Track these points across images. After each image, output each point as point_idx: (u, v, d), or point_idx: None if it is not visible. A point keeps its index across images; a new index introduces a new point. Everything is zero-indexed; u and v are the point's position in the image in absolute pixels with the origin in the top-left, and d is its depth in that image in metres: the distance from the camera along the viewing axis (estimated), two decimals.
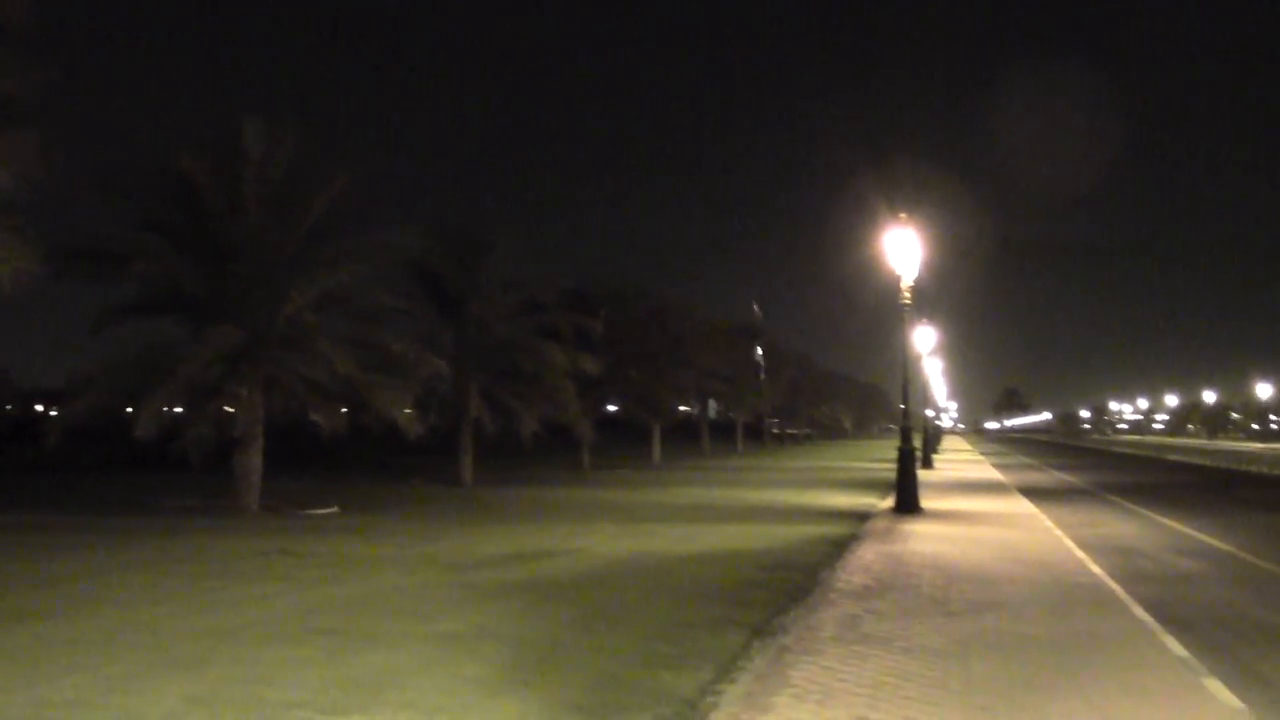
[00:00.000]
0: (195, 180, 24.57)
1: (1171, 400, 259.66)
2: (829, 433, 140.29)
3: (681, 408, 68.98)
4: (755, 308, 47.99)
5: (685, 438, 71.56)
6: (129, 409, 25.08)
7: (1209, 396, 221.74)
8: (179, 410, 25.48)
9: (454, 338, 35.50)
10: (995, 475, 45.56)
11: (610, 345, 45.47)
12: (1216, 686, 8.74)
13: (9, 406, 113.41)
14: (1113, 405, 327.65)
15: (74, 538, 19.72)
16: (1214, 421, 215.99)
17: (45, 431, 25.07)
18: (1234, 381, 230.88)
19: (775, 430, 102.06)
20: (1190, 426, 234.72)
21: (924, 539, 19.69)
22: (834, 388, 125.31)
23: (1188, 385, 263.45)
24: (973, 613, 11.86)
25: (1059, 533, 21.03)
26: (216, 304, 25.20)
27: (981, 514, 25.25)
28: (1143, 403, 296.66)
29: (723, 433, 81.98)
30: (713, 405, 76.89)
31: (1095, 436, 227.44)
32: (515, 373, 36.95)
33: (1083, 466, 59.13)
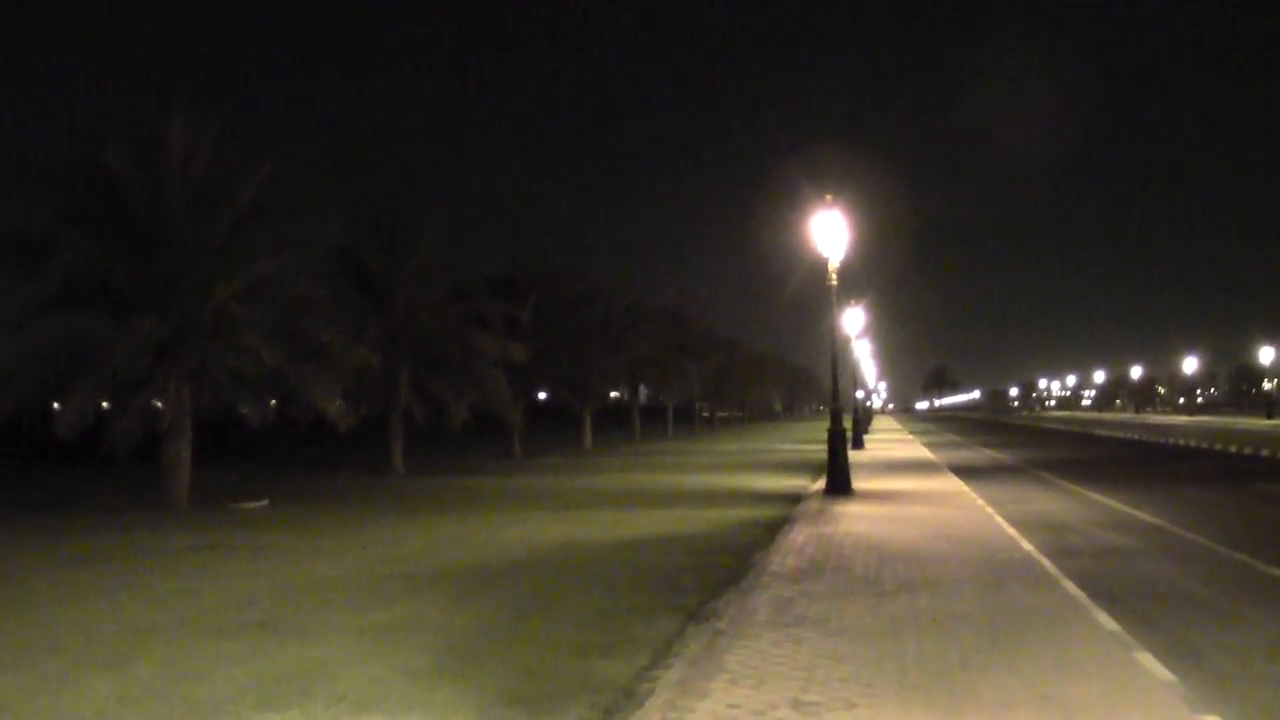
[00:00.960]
0: (118, 172, 24.28)
1: (1099, 376, 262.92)
2: (760, 415, 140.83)
3: (612, 394, 68.99)
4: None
5: (616, 423, 71.60)
6: (54, 404, 24.77)
7: (1136, 372, 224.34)
8: (105, 404, 25.19)
9: (382, 327, 35.32)
10: (926, 454, 45.89)
11: (540, 331, 45.44)
12: (1148, 660, 8.81)
13: None
14: (1041, 382, 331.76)
15: None
16: (1141, 396, 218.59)
17: None
18: (1160, 356, 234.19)
19: (705, 414, 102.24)
20: (1118, 401, 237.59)
21: (856, 520, 19.79)
22: (764, 370, 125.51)
23: (1115, 361, 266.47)
24: (905, 592, 11.92)
25: (989, 510, 21.19)
26: (142, 296, 24.88)
27: (912, 493, 25.41)
28: (1071, 379, 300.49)
29: (653, 417, 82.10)
30: (643, 390, 76.94)
31: (1024, 414, 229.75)
32: (444, 361, 36.82)
33: (1012, 443, 59.64)
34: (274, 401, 26.94)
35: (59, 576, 14.53)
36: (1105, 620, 10.34)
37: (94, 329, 25.57)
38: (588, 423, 57.12)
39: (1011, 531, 17.54)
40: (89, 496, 26.52)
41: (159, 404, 24.91)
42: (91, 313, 26.13)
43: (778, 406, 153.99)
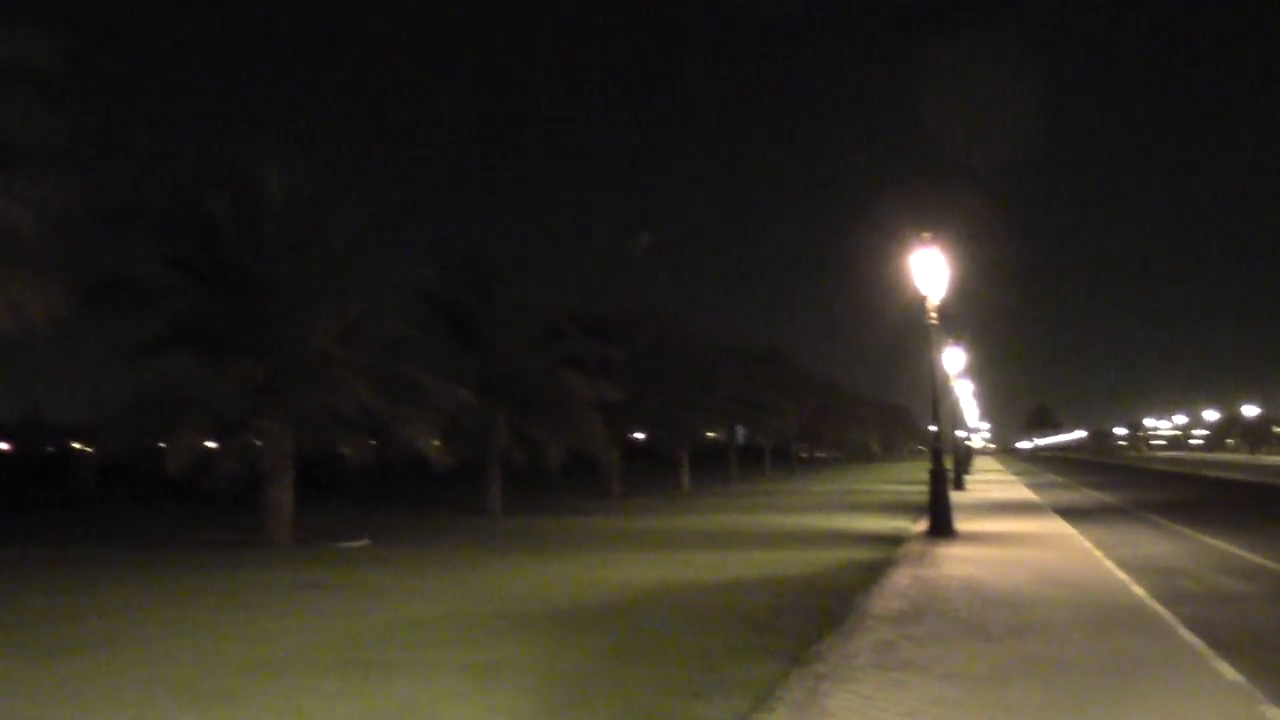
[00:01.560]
0: (218, 218, 24.65)
1: (1210, 415, 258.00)
2: (856, 456, 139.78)
3: (709, 434, 68.76)
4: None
5: (713, 464, 71.36)
6: (159, 444, 25.12)
7: (1249, 410, 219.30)
8: (209, 444, 25.51)
9: (478, 368, 35.43)
10: (1029, 495, 45.26)
11: (635, 371, 45.40)
12: (1277, 716, 8.49)
13: (50, 448, 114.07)
14: (1148, 421, 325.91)
15: (108, 572, 19.74)
16: (1255, 435, 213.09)
17: (77, 468, 25.13)
18: (1275, 394, 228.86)
19: (802, 454, 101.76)
20: (1230, 441, 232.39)
21: (959, 562, 19.52)
22: (861, 410, 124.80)
23: (1226, 399, 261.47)
24: (1011, 637, 11.70)
25: (1097, 553, 20.79)
26: (241, 339, 25.25)
27: (1016, 535, 25.03)
28: (1180, 418, 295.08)
29: (750, 458, 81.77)
30: (740, 431, 76.65)
31: (1130, 454, 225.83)
32: (539, 402, 36.88)
33: (1118, 484, 58.64)
34: (373, 442, 27.11)
35: (164, 612, 14.66)
36: (1226, 670, 10.00)
37: (197, 371, 25.95)
38: (684, 463, 56.94)
39: (1121, 575, 17.18)
40: (193, 534, 26.80)
41: (260, 444, 25.18)
42: (194, 355, 26.53)
43: (875, 447, 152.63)
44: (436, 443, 26.98)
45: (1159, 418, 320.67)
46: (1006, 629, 12.22)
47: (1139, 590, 15.42)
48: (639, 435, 56.40)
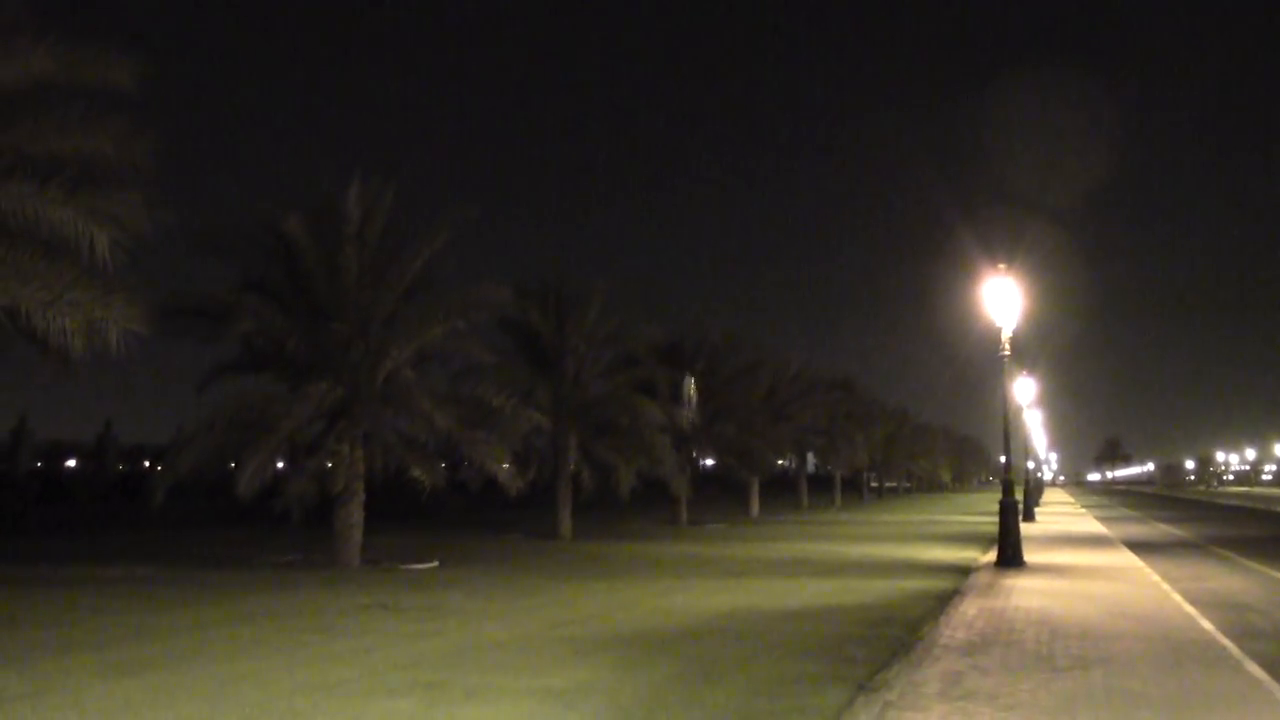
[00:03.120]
0: (296, 240, 24.93)
1: None
2: (927, 486, 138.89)
3: (779, 462, 68.60)
4: None
5: (783, 492, 71.25)
6: (231, 464, 25.40)
7: None
8: (280, 466, 25.77)
9: (550, 393, 35.61)
10: (1098, 528, 44.78)
11: (706, 399, 45.46)
12: None
13: (120, 466, 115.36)
14: (1218, 455, 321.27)
15: (179, 592, 19.99)
16: None
17: (150, 488, 25.44)
18: None
19: (873, 484, 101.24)
20: None
21: (1027, 593, 19.40)
22: (931, 441, 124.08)
23: None
24: (1079, 669, 11.64)
25: (1166, 587, 20.58)
26: (316, 361, 25.51)
27: (1086, 568, 24.82)
28: (1250, 453, 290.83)
29: (820, 486, 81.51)
30: (810, 459, 76.42)
31: (1200, 488, 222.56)
32: (611, 427, 37.02)
33: (1188, 519, 57.88)
34: (444, 465, 27.30)
35: (235, 632, 14.84)
36: None
37: (270, 393, 26.22)
38: (755, 491, 56.86)
39: (1190, 609, 17.01)
40: (263, 555, 27.09)
41: (332, 466, 25.41)
42: (268, 377, 26.81)
43: (945, 477, 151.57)
44: (508, 466, 27.13)
45: (1229, 451, 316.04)
46: (1074, 660, 12.16)
47: (1207, 624, 15.27)
48: (709, 462, 56.32)
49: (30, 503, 59.73)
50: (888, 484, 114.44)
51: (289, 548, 28.49)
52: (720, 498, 60.09)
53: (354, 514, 25.31)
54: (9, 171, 16.47)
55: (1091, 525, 47.67)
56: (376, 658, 12.62)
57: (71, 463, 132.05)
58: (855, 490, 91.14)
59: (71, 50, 16.93)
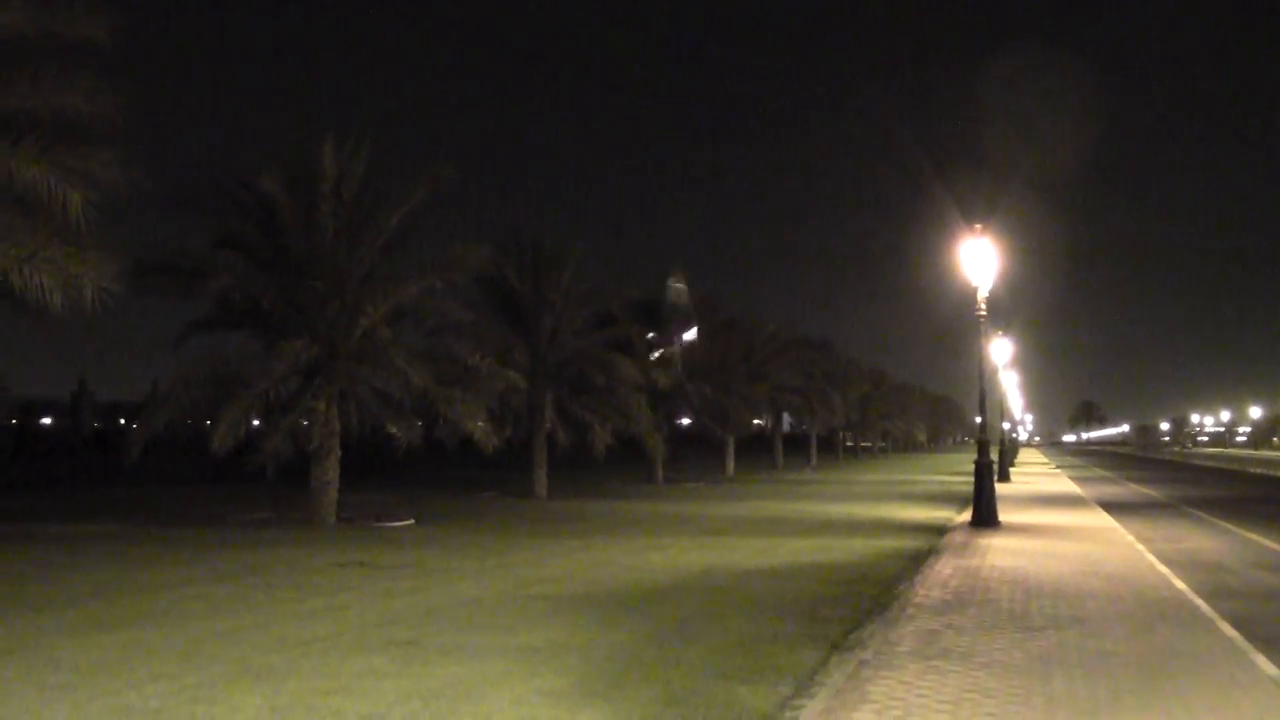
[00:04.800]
0: (272, 197, 24.80)
1: (1255, 412, 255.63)
2: (903, 446, 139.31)
3: (754, 421, 68.67)
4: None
5: (758, 451, 71.37)
6: (207, 422, 25.33)
7: None
8: (256, 424, 25.70)
9: (527, 351, 35.53)
10: (1073, 489, 45.03)
11: (683, 358, 45.47)
12: None
13: (96, 424, 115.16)
14: (1193, 417, 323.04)
15: (154, 549, 19.96)
16: None
17: (126, 444, 25.36)
18: None
19: (848, 443, 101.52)
20: (1276, 439, 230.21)
21: (1002, 553, 19.49)
22: (907, 400, 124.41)
23: (1272, 396, 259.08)
24: (1053, 628, 11.70)
25: (1140, 547, 20.71)
26: (292, 319, 25.42)
27: (1060, 528, 24.94)
28: (1225, 414, 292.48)
29: (796, 446, 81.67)
30: (786, 419, 76.53)
31: (1175, 449, 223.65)
32: (588, 386, 37.01)
33: (1162, 480, 58.24)
34: (420, 423, 27.26)
35: (210, 589, 14.82)
36: (1265, 665, 9.98)
37: (245, 350, 26.14)
38: (730, 450, 56.95)
39: (1163, 569, 17.12)
40: (238, 513, 27.04)
41: (308, 424, 25.36)
42: (243, 335, 26.74)
43: (921, 437, 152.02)
44: (484, 424, 27.11)
45: (1204, 414, 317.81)
46: (1048, 620, 12.22)
47: (1181, 584, 15.37)
48: (685, 421, 56.37)
49: (3, 459, 59.58)
50: (864, 444, 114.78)
51: (264, 505, 28.45)
52: (696, 457, 60.18)
53: (329, 471, 25.27)
54: None
55: (1066, 485, 47.94)
56: (352, 615, 12.62)
57: (47, 420, 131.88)
58: (831, 450, 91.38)
59: (43, 4, 16.76)
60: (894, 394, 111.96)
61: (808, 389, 67.31)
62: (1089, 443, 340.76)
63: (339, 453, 25.55)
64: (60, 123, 17.21)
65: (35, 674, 9.51)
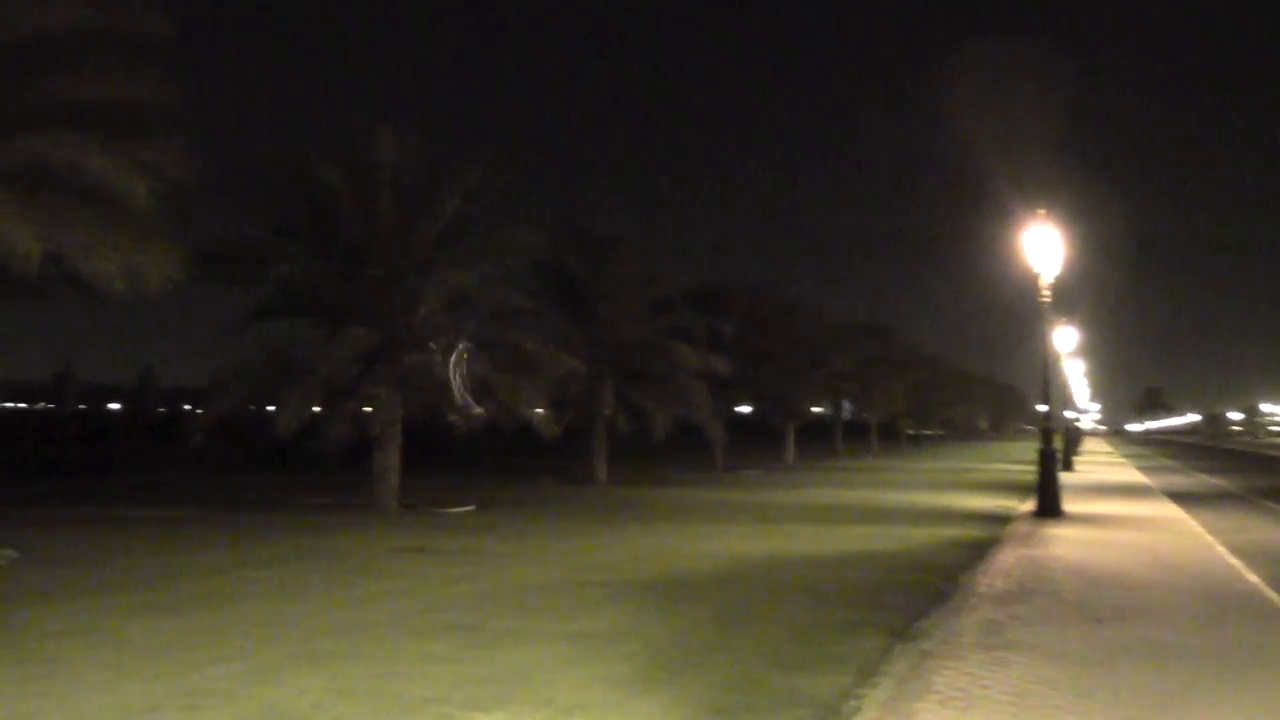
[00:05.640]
0: (331, 185, 24.87)
1: None
2: (964, 434, 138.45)
3: (814, 408, 68.42)
4: None
5: (818, 438, 71.09)
6: (269, 407, 25.49)
7: None
8: (317, 409, 25.82)
9: (585, 338, 35.50)
10: (1139, 478, 44.53)
11: (742, 345, 45.33)
12: None
13: (160, 409, 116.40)
14: (1264, 407, 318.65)
15: (217, 533, 20.17)
16: None
17: (189, 430, 25.56)
18: None
19: (910, 431, 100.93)
20: None
21: (1066, 543, 19.28)
22: (969, 388, 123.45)
23: None
24: (1120, 620, 11.53)
25: (1209, 538, 20.37)
26: (351, 306, 25.50)
27: (1126, 518, 24.66)
28: None
29: (856, 433, 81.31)
30: (846, 406, 76.19)
31: (1245, 439, 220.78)
32: (647, 373, 36.94)
33: (1232, 470, 57.44)
34: (480, 409, 27.30)
35: (273, 573, 14.91)
36: None
37: (306, 338, 26.27)
38: (790, 437, 56.78)
39: (1234, 561, 16.82)
40: (301, 498, 27.22)
41: (369, 410, 25.46)
42: (304, 322, 26.86)
43: (983, 425, 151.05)
44: (543, 411, 27.13)
45: (1276, 403, 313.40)
46: (1114, 612, 12.04)
47: (1252, 577, 15.07)
48: (745, 408, 56.25)
49: (72, 444, 60.23)
50: (924, 431, 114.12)
51: (326, 490, 28.60)
52: (756, 444, 59.96)
53: (391, 457, 25.37)
54: (49, 119, 16.51)
55: (1132, 475, 47.43)
56: (411, 600, 12.66)
57: (114, 405, 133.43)
58: (892, 437, 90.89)
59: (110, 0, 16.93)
60: (955, 381, 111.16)
61: (868, 376, 66.95)
62: (1155, 432, 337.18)
63: (400, 439, 25.64)
64: (125, 114, 17.35)
65: (104, 655, 9.61)
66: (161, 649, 9.87)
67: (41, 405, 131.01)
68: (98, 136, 16.62)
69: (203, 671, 8.97)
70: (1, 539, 17.51)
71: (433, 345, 25.49)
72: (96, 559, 16.44)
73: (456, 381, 25.26)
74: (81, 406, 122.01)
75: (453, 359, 25.25)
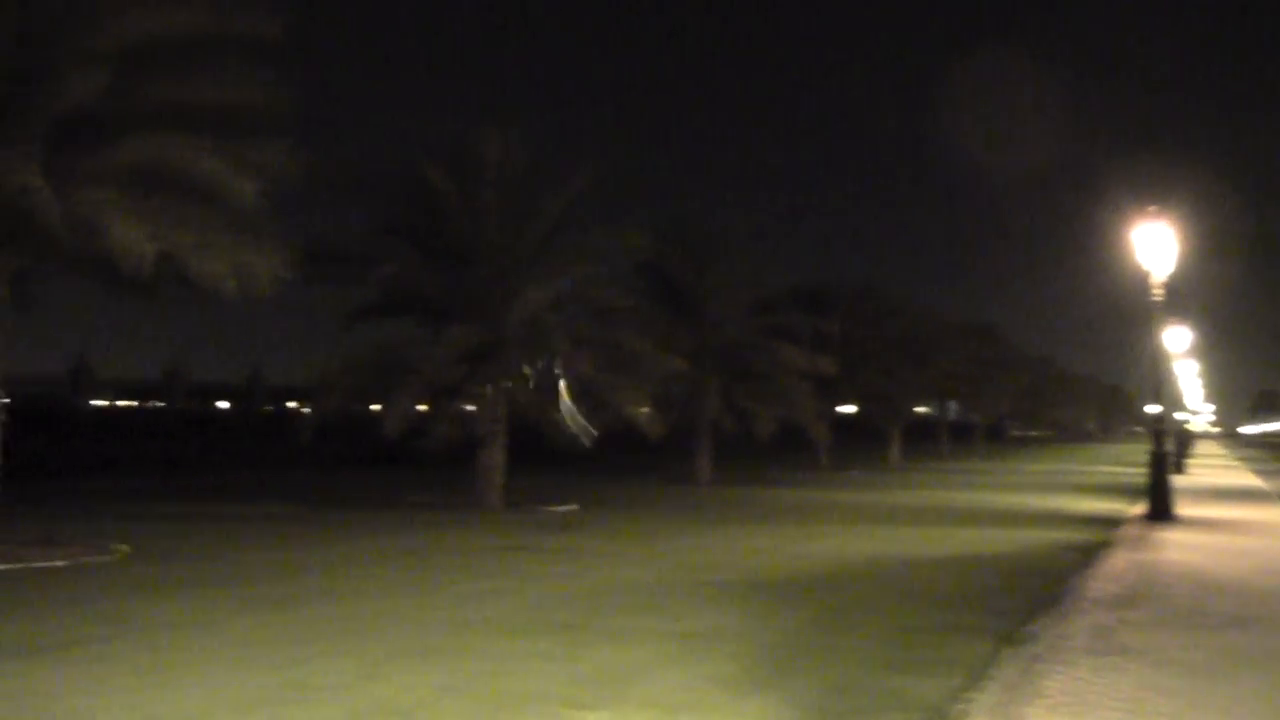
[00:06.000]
0: (436, 185, 25.03)
1: None
2: (1071, 435, 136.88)
3: (919, 409, 67.94)
4: None
5: (923, 439, 70.59)
6: (374, 406, 25.73)
7: None
8: (422, 408, 26.01)
9: (689, 338, 35.46)
10: (1254, 481, 43.69)
11: (846, 345, 45.07)
12: None
13: (268, 407, 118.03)
14: None
15: (323, 530, 20.41)
16: None
17: (296, 428, 25.86)
18: None
19: (1015, 432, 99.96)
20: None
21: (1179, 547, 18.93)
22: (1076, 389, 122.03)
23: None
24: (1235, 627, 11.27)
25: None
26: (456, 305, 25.67)
27: (1240, 523, 24.17)
28: None
29: (962, 434, 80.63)
30: (951, 406, 75.62)
31: None
32: (751, 373, 36.87)
33: None
34: (584, 409, 27.35)
35: (379, 570, 15.08)
36: None
37: (412, 337, 26.47)
38: (895, 438, 56.43)
39: None
40: (406, 496, 27.46)
41: (473, 408, 25.60)
42: (409, 321, 27.10)
43: (1091, 426, 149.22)
44: (647, 410, 27.13)
45: None
46: (1229, 619, 11.77)
47: None
48: (849, 409, 55.95)
49: (181, 442, 61.22)
50: (1031, 432, 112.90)
51: (431, 489, 28.83)
52: (860, 445, 59.64)
53: (495, 456, 25.51)
54: (162, 122, 16.77)
55: (1246, 479, 46.54)
56: (516, 598, 12.71)
57: (222, 404, 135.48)
58: (998, 438, 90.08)
59: (224, 3, 17.16)
60: (1063, 382, 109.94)
61: (974, 376, 66.38)
62: (1270, 435, 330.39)
63: (505, 438, 25.76)
64: (236, 116, 17.59)
65: (215, 649, 9.73)
66: (270, 643, 9.98)
67: (152, 403, 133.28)
68: (209, 138, 16.86)
69: (311, 666, 9.05)
70: (113, 535, 17.88)
71: (527, 370, 25.65)
72: (206, 554, 16.71)
73: (565, 405, 25.44)
74: (191, 405, 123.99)
75: (561, 388, 25.44)
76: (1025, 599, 12.94)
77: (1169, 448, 27.22)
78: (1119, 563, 16.55)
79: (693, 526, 21.79)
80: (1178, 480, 35.30)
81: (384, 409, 24.62)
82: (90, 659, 9.25)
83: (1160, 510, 24.29)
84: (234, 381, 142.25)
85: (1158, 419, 27.23)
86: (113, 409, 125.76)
